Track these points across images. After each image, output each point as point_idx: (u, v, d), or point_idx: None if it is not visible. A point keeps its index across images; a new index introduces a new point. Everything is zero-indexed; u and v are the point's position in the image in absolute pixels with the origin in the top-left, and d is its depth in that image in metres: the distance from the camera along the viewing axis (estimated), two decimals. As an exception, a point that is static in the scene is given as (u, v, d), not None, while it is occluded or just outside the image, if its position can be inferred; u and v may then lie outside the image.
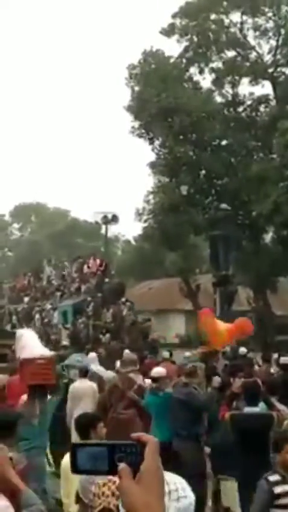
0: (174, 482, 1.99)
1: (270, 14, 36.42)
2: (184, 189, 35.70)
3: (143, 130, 37.45)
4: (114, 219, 44.48)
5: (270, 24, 36.55)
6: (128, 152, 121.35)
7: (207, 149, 36.27)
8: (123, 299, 31.44)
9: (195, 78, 38.25)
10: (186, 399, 8.97)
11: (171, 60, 37.55)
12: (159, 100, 34.68)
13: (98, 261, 36.35)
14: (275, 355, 14.47)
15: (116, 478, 2.37)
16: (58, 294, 37.40)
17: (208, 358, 12.92)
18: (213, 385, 10.03)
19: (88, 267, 36.79)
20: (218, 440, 8.41)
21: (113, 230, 55.58)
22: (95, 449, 1.44)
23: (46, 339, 31.33)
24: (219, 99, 38.30)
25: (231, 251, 25.88)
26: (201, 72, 37.91)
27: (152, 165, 39.55)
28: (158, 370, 10.99)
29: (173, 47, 37.98)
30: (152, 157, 39.16)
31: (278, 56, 36.75)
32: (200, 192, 37.07)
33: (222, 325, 14.12)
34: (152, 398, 10.16)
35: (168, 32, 37.78)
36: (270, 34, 36.71)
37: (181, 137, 36.40)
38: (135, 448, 1.42)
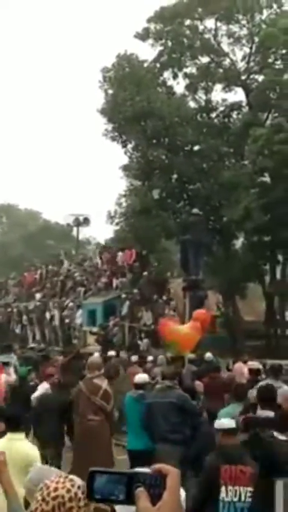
0: None
1: (244, 22, 36.68)
2: (156, 193, 35.84)
3: (116, 133, 37.47)
4: (86, 221, 44.59)
5: (244, 31, 36.82)
6: (100, 155, 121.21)
7: (179, 154, 36.41)
8: (164, 297, 27.37)
9: (168, 83, 38.41)
10: (179, 402, 8.84)
11: (145, 65, 37.62)
12: (133, 104, 34.73)
13: (133, 251, 31.68)
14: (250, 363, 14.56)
15: (53, 484, 2.38)
16: (81, 289, 32.27)
17: (174, 363, 12.98)
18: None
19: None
20: (200, 448, 8.43)
21: (84, 233, 55.63)
22: (114, 477, 1.41)
23: (66, 342, 29.05)
24: (192, 104, 38.50)
25: (202, 256, 26.04)
26: (175, 77, 38.06)
27: (125, 168, 39.62)
28: (142, 376, 10.93)
29: (147, 51, 38.19)
30: (125, 160, 39.27)
31: (251, 64, 37.05)
32: (172, 196, 37.18)
33: (184, 328, 14.26)
34: (134, 405, 10.09)
35: (143, 36, 37.86)
36: (244, 41, 36.98)
37: (154, 141, 36.51)
38: (155, 479, 1.38)
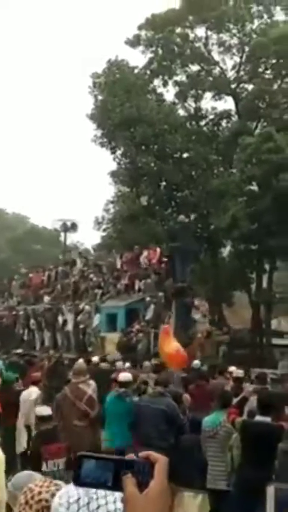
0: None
1: (234, 31, 36.88)
2: (144, 200, 35.87)
3: (106, 139, 37.54)
4: (74, 227, 44.45)
5: (235, 40, 37.02)
6: (89, 160, 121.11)
7: (168, 161, 36.49)
8: (193, 300, 24.46)
9: (158, 90, 38.56)
10: (169, 411, 8.89)
11: (136, 71, 37.75)
12: (122, 110, 34.80)
13: (158, 251, 28.76)
14: (231, 368, 14.56)
15: (38, 488, 2.35)
16: (98, 292, 29.29)
17: (160, 369, 12.96)
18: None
19: (147, 258, 28.92)
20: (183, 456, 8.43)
21: (72, 238, 55.48)
22: (102, 463, 1.40)
23: (80, 348, 26.55)
24: (182, 112, 38.64)
25: (189, 263, 26.04)
26: (165, 84, 38.22)
27: (113, 174, 39.67)
28: (126, 375, 10.97)
29: (137, 58, 38.32)
30: (114, 166, 39.31)
31: (241, 73, 37.25)
32: (160, 203, 37.27)
33: (168, 347, 14.32)
34: (117, 402, 10.11)
35: (134, 42, 37.99)
36: (234, 50, 37.19)
37: (143, 148, 36.59)
38: (143, 466, 1.38)
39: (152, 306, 24.58)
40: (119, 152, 37.99)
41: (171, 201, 37.78)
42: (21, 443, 11.20)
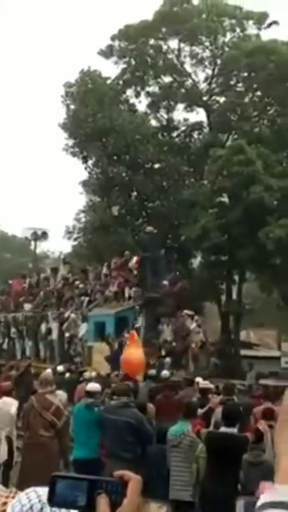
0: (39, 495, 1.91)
1: (207, 44, 37.15)
2: (115, 210, 35.88)
3: (77, 149, 37.49)
4: (44, 235, 44.30)
5: (207, 53, 37.29)
6: (60, 169, 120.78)
7: (140, 171, 36.59)
8: (186, 311, 23.69)
9: (131, 101, 38.68)
10: (135, 423, 8.85)
11: (108, 81, 37.83)
12: (95, 120, 34.83)
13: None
14: (197, 379, 14.60)
15: (3, 498, 2.31)
16: (85, 299, 27.68)
17: (128, 379, 12.95)
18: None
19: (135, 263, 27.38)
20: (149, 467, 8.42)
21: (42, 247, 55.30)
22: (75, 483, 1.39)
23: (64, 358, 25.67)
24: (154, 123, 38.79)
25: (160, 273, 26.06)
26: (137, 95, 38.37)
27: (84, 184, 39.64)
28: (94, 385, 10.94)
29: (110, 69, 38.39)
30: (85, 176, 39.27)
31: (213, 85, 37.53)
32: (131, 213, 37.33)
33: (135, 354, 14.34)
34: (85, 413, 10.06)
35: (107, 53, 38.09)
36: (207, 63, 37.46)
37: (115, 158, 36.64)
38: (117, 486, 1.38)
39: (144, 315, 23.60)
40: (90, 162, 38.00)
41: (142, 211, 37.87)
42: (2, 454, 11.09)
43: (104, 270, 29.30)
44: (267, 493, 1.10)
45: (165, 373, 15.73)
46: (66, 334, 26.22)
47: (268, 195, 28.98)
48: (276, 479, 1.11)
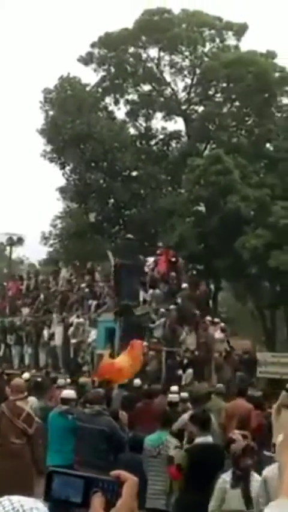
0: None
1: (187, 53, 37.36)
2: (92, 216, 35.81)
3: (55, 155, 37.42)
4: (20, 241, 44.08)
5: (186, 62, 37.49)
6: (37, 175, 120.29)
7: (117, 179, 36.61)
8: (209, 318, 21.20)
9: (110, 108, 38.76)
10: (109, 431, 8.80)
11: (88, 88, 37.86)
12: (73, 126, 34.81)
13: (171, 253, 25.15)
14: (173, 388, 14.57)
15: None
16: (93, 303, 25.17)
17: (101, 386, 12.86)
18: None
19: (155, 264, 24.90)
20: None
21: (18, 252, 54.96)
22: (72, 480, 1.40)
23: (69, 366, 23.64)
24: (132, 130, 38.89)
25: (135, 281, 25.98)
26: (116, 102, 38.45)
27: (62, 190, 39.54)
28: (68, 392, 10.87)
29: (89, 76, 38.42)
30: (62, 182, 39.17)
31: (192, 95, 37.73)
32: (108, 220, 37.32)
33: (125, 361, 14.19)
34: (59, 420, 10.00)
35: (86, 60, 38.11)
36: (186, 72, 37.66)
37: (93, 165, 36.65)
38: (113, 485, 1.38)
39: (162, 320, 21.11)
40: (68, 168, 37.94)
41: (119, 218, 37.88)
42: None
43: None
44: (274, 506, 1.10)
45: (137, 382, 15.66)
46: (73, 341, 23.74)
47: (245, 205, 29.16)
48: (281, 491, 1.12)
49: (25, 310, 29.11)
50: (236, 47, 37.27)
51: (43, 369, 23.56)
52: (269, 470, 5.51)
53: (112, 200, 37.44)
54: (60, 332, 24.76)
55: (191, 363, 19.18)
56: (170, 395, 12.63)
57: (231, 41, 37.60)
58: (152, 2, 37.73)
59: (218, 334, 20.18)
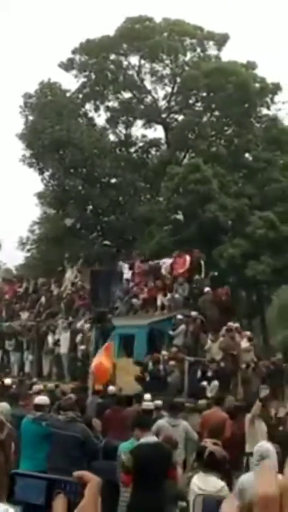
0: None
1: (167, 62, 37.48)
2: (69, 222, 35.68)
3: (34, 160, 37.29)
4: (-3, 246, 43.77)
5: (167, 71, 37.61)
6: (15, 180, 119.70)
7: (96, 185, 36.58)
8: (235, 324, 19.48)
9: (90, 115, 38.75)
10: (82, 438, 8.75)
11: (68, 94, 37.82)
12: (53, 132, 34.73)
13: (188, 259, 22.57)
14: (146, 396, 14.50)
15: None
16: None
17: (77, 393, 12.78)
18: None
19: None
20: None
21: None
22: (34, 482, 1.38)
23: (75, 375, 21.49)
24: (112, 137, 38.91)
25: (112, 288, 25.89)
26: (96, 109, 38.45)
27: (40, 196, 39.41)
28: (42, 398, 10.78)
29: (70, 82, 38.40)
30: (41, 187, 39.04)
31: (172, 103, 37.83)
32: (86, 226, 37.24)
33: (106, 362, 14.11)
34: (33, 426, 9.91)
35: (67, 66, 38.07)
36: (166, 81, 37.76)
37: (71, 171, 36.59)
38: (76, 486, 1.35)
39: (183, 327, 19.38)
40: (47, 174, 37.81)
41: (96, 225, 37.82)
42: None
43: (126, 274, 24.78)
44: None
45: (111, 388, 15.58)
46: (81, 347, 21.64)
47: (223, 214, 29.27)
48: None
49: (24, 315, 27.22)
50: (217, 57, 37.49)
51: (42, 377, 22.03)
52: (245, 478, 5.49)
53: (90, 207, 37.38)
54: (66, 338, 22.83)
55: (216, 374, 17.31)
56: (144, 403, 12.57)
57: (212, 50, 37.88)
58: (134, 9, 37.89)
59: (245, 343, 18.48)
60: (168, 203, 31.46)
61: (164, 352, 18.44)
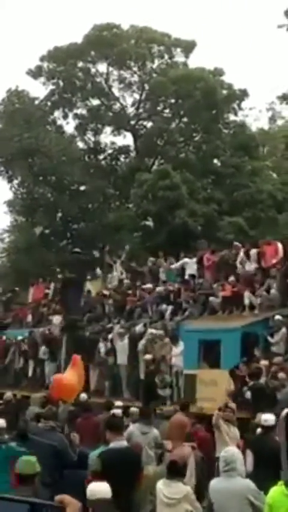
0: None
1: (135, 69, 37.58)
2: (38, 230, 35.56)
3: (2, 168, 37.12)
4: None
5: (135, 78, 37.72)
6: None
7: (65, 193, 36.53)
8: None
9: (58, 122, 38.72)
10: (59, 448, 8.67)
11: (36, 102, 37.72)
12: (21, 140, 34.62)
13: (280, 247, 18.29)
14: (117, 403, 14.46)
15: None
16: (168, 308, 19.48)
17: (49, 402, 12.70)
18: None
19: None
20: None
21: None
22: (16, 506, 1.39)
23: (136, 393, 17.82)
24: (81, 145, 38.92)
25: (82, 295, 25.79)
26: (65, 116, 38.41)
27: (9, 204, 39.21)
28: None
29: (38, 89, 38.25)
30: (10, 195, 38.86)
31: (141, 110, 37.94)
32: (56, 234, 37.14)
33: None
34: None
35: (35, 73, 37.96)
36: (135, 88, 37.87)
37: (40, 178, 36.51)
38: (57, 510, 1.39)
39: (284, 331, 15.68)
40: (15, 182, 37.66)
41: (66, 232, 37.74)
42: None
43: (190, 270, 20.83)
44: None
45: (83, 396, 15.48)
46: (147, 357, 17.47)
47: (192, 220, 29.38)
48: None
49: (57, 319, 23.12)
50: (184, 64, 37.68)
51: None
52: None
53: (60, 214, 37.30)
54: (124, 346, 19.06)
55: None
56: (114, 411, 12.51)
57: (179, 57, 38.05)
58: (101, 17, 37.94)
59: (276, 340, 15.67)
60: (138, 210, 31.51)
61: (263, 362, 14.66)
